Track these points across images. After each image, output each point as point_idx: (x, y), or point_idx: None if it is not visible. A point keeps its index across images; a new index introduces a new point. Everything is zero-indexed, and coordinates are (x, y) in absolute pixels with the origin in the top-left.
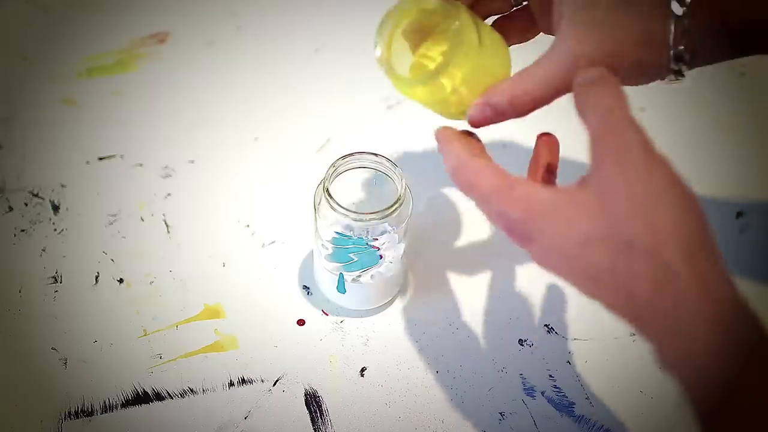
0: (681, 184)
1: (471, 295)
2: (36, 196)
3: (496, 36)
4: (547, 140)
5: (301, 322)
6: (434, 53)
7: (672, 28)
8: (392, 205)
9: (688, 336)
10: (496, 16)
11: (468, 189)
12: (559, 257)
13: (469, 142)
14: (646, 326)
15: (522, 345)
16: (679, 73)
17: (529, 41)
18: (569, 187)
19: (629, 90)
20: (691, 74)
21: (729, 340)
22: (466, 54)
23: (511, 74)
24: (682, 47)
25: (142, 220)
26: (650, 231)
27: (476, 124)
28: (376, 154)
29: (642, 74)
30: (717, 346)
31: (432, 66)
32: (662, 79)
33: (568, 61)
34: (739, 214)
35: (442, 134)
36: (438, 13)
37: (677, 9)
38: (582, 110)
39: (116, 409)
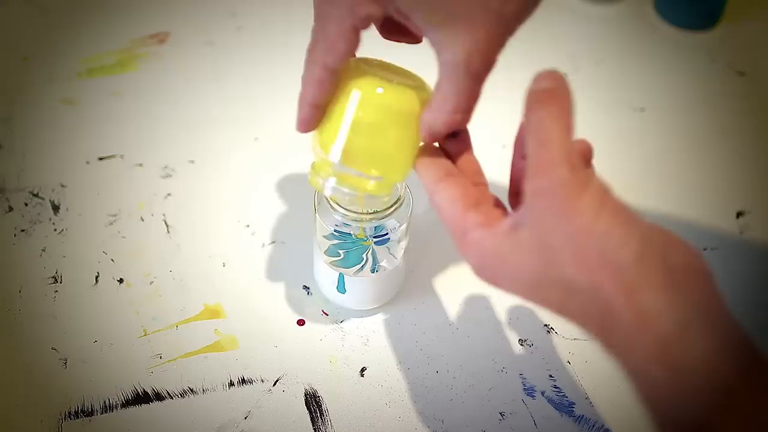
0: (612, 208)
1: (471, 295)
2: (36, 196)
3: (394, 80)
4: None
5: (301, 322)
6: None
7: None
8: (392, 205)
9: (644, 377)
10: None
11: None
12: (524, 296)
13: (435, 164)
14: (614, 363)
15: (522, 345)
16: None
17: None
18: (510, 231)
19: (628, 88)
20: (691, 74)
21: (686, 380)
22: (373, 159)
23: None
24: None
25: (142, 220)
26: (584, 269)
27: (434, 141)
28: None
29: (534, 7)
30: (675, 385)
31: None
32: None
33: (460, 70)
34: (739, 214)
35: (416, 164)
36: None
37: None
38: (526, 128)
39: (116, 409)
